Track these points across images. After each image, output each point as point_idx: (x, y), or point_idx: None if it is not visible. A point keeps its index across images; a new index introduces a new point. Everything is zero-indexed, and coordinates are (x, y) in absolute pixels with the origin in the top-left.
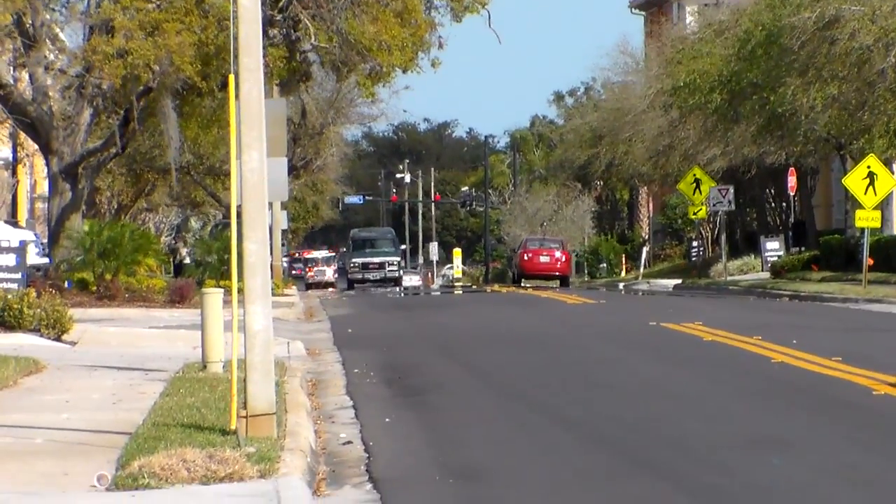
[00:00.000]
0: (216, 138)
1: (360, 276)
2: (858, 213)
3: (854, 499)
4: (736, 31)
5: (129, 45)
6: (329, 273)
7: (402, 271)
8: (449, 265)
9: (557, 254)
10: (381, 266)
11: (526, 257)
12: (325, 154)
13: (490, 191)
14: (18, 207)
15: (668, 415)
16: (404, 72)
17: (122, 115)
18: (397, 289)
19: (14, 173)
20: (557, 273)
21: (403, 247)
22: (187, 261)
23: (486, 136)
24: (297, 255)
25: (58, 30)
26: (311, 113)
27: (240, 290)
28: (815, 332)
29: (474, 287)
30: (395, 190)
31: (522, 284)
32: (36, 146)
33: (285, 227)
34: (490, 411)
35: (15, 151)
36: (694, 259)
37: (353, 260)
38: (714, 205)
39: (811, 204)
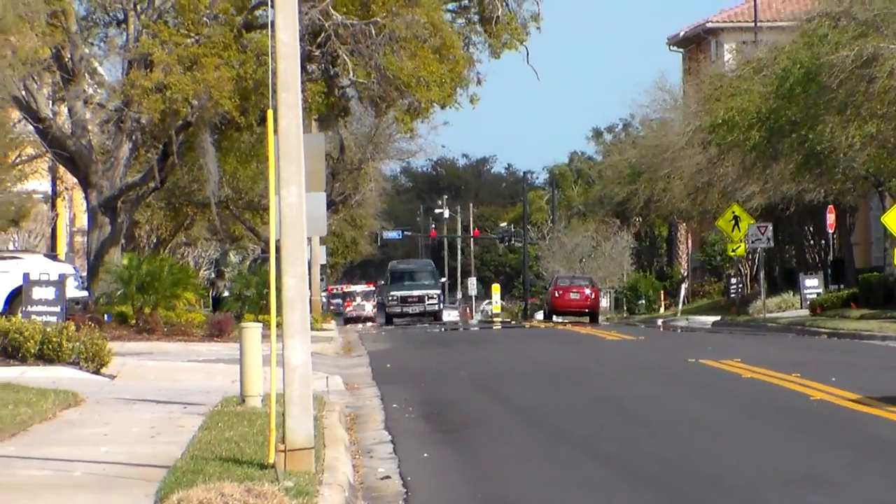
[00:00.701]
0: (255, 173)
1: (398, 309)
2: None
3: None
4: (774, 69)
5: (168, 80)
6: (368, 307)
7: (442, 305)
8: (488, 300)
9: (587, 291)
10: (421, 300)
11: (557, 294)
12: (363, 189)
13: (529, 226)
14: (58, 241)
15: (706, 451)
16: (443, 107)
17: (160, 150)
18: (437, 323)
19: (53, 206)
20: (587, 309)
21: (443, 279)
22: (226, 294)
23: (524, 172)
24: (335, 290)
25: (96, 64)
26: (350, 148)
27: (278, 325)
28: (855, 370)
29: (513, 322)
30: (433, 225)
31: (557, 320)
32: (75, 180)
33: (324, 261)
34: (528, 447)
35: (54, 185)
36: (733, 296)
37: (392, 293)
38: (753, 242)
39: (850, 241)
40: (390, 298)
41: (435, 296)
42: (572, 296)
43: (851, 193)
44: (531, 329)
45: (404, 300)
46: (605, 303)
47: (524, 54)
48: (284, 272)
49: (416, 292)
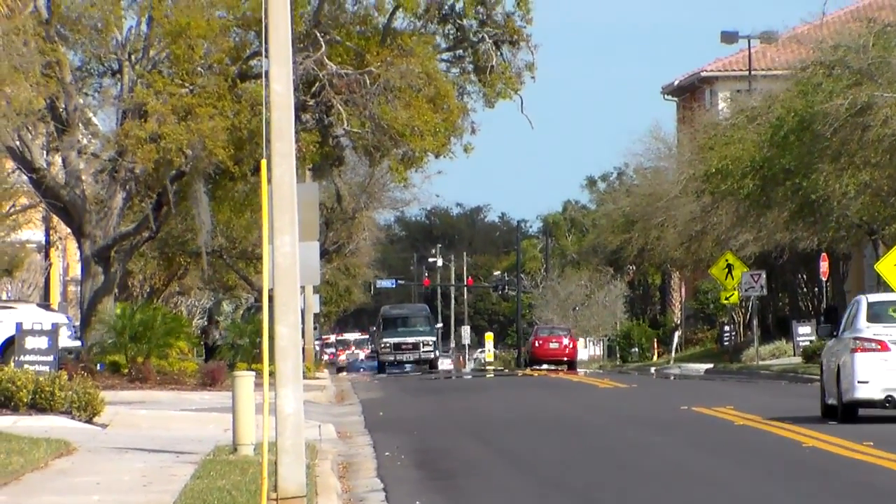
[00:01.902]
0: (249, 222)
1: (391, 357)
2: None
3: None
4: (768, 118)
5: (162, 130)
6: (361, 356)
7: (438, 353)
8: (481, 349)
9: (565, 341)
10: (416, 347)
11: (537, 344)
12: (357, 238)
13: (522, 275)
14: (51, 290)
15: (701, 500)
16: (437, 157)
17: (154, 199)
18: (430, 372)
19: (47, 256)
20: (565, 358)
21: (439, 325)
22: (219, 342)
23: (518, 221)
24: (329, 339)
25: (91, 114)
26: (344, 197)
27: (271, 374)
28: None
29: (506, 371)
30: (427, 274)
31: (543, 367)
32: (69, 229)
33: (317, 310)
34: (520, 496)
35: (48, 234)
36: (726, 343)
37: (384, 340)
38: (746, 290)
39: (843, 289)
40: (383, 345)
41: (430, 343)
42: (552, 345)
43: (845, 241)
44: (524, 377)
45: (398, 347)
46: (598, 351)
47: (518, 103)
48: (278, 321)
49: (410, 339)
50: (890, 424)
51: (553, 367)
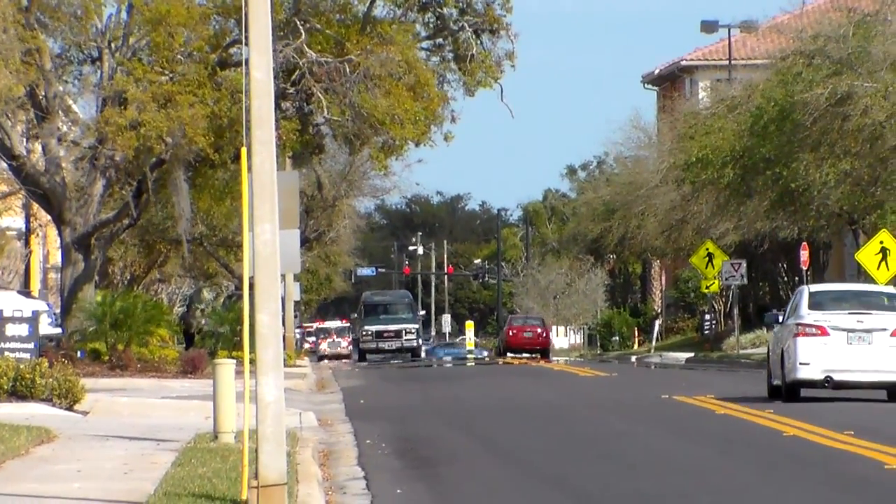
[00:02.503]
0: (229, 210)
1: (373, 345)
2: None
3: None
4: (748, 107)
5: (142, 117)
6: (343, 344)
7: (420, 340)
8: (461, 337)
9: (539, 330)
10: (398, 334)
11: (511, 333)
12: (337, 226)
13: (503, 263)
14: (31, 278)
15: (681, 489)
16: (417, 145)
17: (134, 187)
18: (411, 360)
19: (27, 244)
20: (539, 347)
21: (421, 313)
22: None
23: (498, 210)
24: (311, 328)
25: (71, 101)
26: (324, 185)
27: (252, 362)
28: (827, 406)
29: (487, 359)
30: (407, 262)
31: (524, 356)
32: (49, 217)
33: (298, 298)
34: (502, 484)
35: (28, 222)
36: (706, 332)
37: (366, 328)
38: (727, 279)
39: (824, 278)
40: (364, 333)
41: (413, 330)
42: (525, 335)
43: (825, 230)
44: (504, 366)
45: (379, 335)
46: (578, 339)
47: (499, 92)
48: (258, 309)
49: (392, 326)
50: (836, 403)
51: (527, 356)
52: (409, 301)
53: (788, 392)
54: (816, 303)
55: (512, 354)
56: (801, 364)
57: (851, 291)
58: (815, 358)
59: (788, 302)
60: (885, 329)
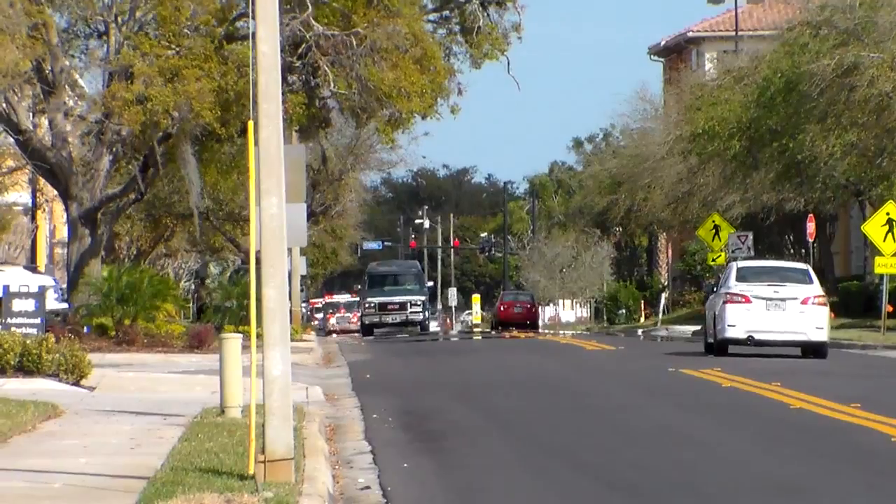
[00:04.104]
0: (235, 184)
1: (376, 318)
2: (878, 259)
3: None
4: (755, 78)
5: (149, 92)
6: (353, 319)
7: (427, 313)
8: (468, 311)
9: (528, 305)
10: (403, 307)
11: (502, 308)
12: (344, 200)
13: (509, 237)
14: (38, 253)
15: (686, 460)
16: (424, 118)
17: (141, 161)
18: (418, 334)
19: (33, 219)
20: (528, 321)
21: (429, 284)
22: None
23: (505, 183)
24: (318, 303)
25: (77, 76)
26: (331, 159)
27: (259, 336)
28: (834, 379)
29: (493, 333)
30: (413, 236)
31: (513, 329)
32: (55, 192)
33: (304, 272)
34: (508, 457)
35: (34, 197)
36: None
37: (369, 300)
38: (733, 251)
39: (830, 250)
40: (367, 305)
41: (419, 303)
42: (515, 309)
43: (832, 202)
44: (511, 339)
45: (383, 307)
46: (585, 313)
47: (505, 64)
48: (265, 283)
49: (397, 298)
50: (761, 358)
51: (517, 328)
52: (417, 272)
53: (719, 348)
54: (742, 276)
55: (503, 327)
56: (728, 325)
57: (771, 267)
58: (739, 321)
59: None
60: (796, 298)
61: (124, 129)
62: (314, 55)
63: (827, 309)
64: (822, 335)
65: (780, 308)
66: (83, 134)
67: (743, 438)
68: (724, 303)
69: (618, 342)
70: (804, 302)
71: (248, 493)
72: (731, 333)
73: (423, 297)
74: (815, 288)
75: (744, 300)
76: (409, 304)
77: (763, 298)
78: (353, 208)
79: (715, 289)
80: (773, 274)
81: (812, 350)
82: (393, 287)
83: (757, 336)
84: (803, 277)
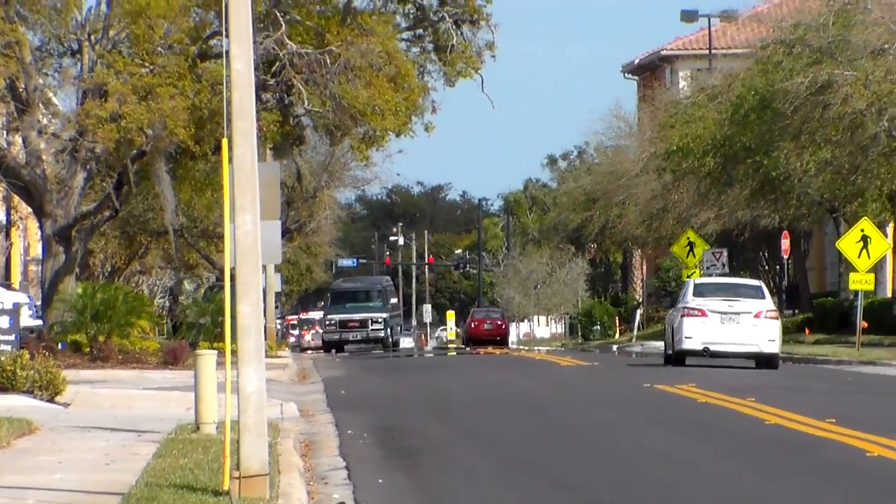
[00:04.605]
0: (210, 201)
1: (336, 336)
2: (852, 275)
3: None
4: (729, 96)
5: (123, 110)
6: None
7: (391, 330)
8: (443, 327)
9: (498, 322)
10: (364, 324)
11: (473, 325)
12: (318, 217)
13: (484, 253)
14: (12, 270)
15: (662, 478)
16: (398, 136)
17: (115, 179)
18: (390, 351)
19: (8, 236)
20: (498, 337)
21: (394, 300)
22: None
23: (479, 199)
24: (293, 320)
25: (51, 94)
26: (305, 176)
27: (233, 352)
28: (809, 395)
29: (468, 349)
30: (388, 252)
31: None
32: (30, 209)
33: (279, 289)
34: (483, 473)
35: (9, 214)
36: None
37: (330, 317)
38: (708, 268)
39: (805, 267)
40: (328, 322)
41: (380, 319)
42: (486, 326)
43: (806, 219)
44: (485, 356)
45: (343, 325)
46: (559, 329)
47: (479, 83)
48: (239, 300)
49: (357, 315)
50: (717, 369)
51: (487, 345)
52: (382, 288)
53: (676, 359)
54: (699, 292)
55: (473, 344)
56: (685, 337)
57: (726, 283)
58: (696, 333)
59: (770, 291)
60: (749, 312)
61: (98, 146)
62: (288, 73)
63: (779, 322)
64: (773, 347)
65: (735, 321)
66: (57, 151)
67: (720, 455)
68: (682, 316)
69: (593, 358)
70: (757, 316)
71: None
72: (687, 345)
73: (385, 315)
74: (768, 303)
75: (700, 314)
76: (370, 322)
77: (718, 312)
78: (328, 225)
79: (674, 304)
80: (728, 290)
81: (764, 361)
82: (355, 304)
83: (712, 347)
84: (756, 293)
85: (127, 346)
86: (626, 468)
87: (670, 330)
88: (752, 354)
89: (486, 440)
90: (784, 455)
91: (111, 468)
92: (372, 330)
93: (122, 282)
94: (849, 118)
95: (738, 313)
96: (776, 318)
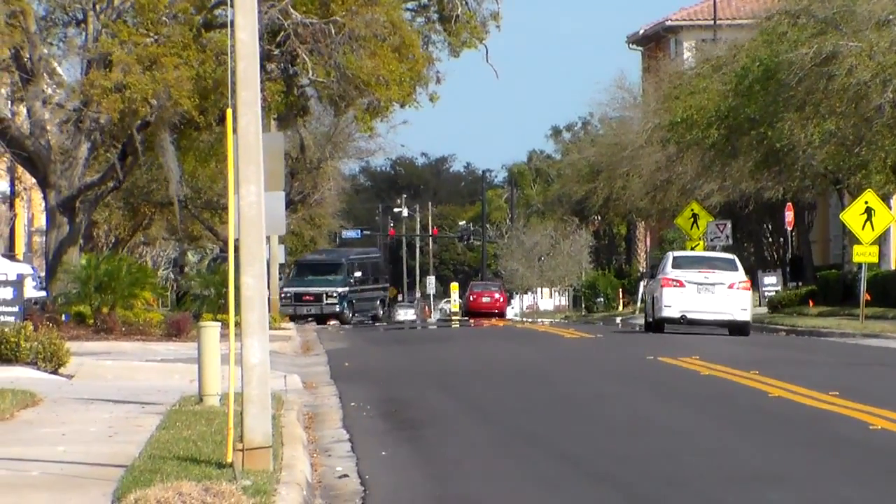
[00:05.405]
0: (214, 172)
1: (290, 309)
2: (856, 248)
3: None
4: (733, 67)
5: (127, 80)
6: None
7: (348, 304)
8: (446, 299)
9: (496, 295)
10: (318, 298)
11: (472, 298)
12: (322, 188)
13: (487, 225)
14: (16, 241)
15: (664, 449)
16: (402, 106)
17: (119, 149)
18: (392, 323)
19: (12, 207)
20: (496, 310)
21: (359, 274)
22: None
23: (483, 171)
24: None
25: (55, 64)
26: (309, 147)
27: (237, 324)
28: (812, 367)
29: (471, 321)
30: (392, 224)
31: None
32: (34, 180)
33: (283, 261)
34: (487, 445)
35: (13, 185)
36: None
37: (286, 289)
38: (712, 240)
39: (809, 239)
40: (283, 295)
41: (336, 294)
42: (484, 300)
43: (810, 191)
44: (489, 327)
45: (298, 298)
46: (563, 301)
47: (483, 53)
48: (243, 271)
49: (312, 289)
50: (694, 335)
51: (486, 318)
52: (346, 262)
53: (656, 326)
54: (677, 264)
55: (472, 317)
56: (665, 306)
57: (702, 256)
58: (674, 302)
59: (772, 262)
60: (723, 283)
61: (103, 117)
62: (293, 43)
63: (750, 293)
64: (745, 315)
65: (710, 291)
66: (61, 122)
67: (722, 427)
68: (661, 286)
69: (596, 330)
70: (731, 287)
71: (226, 482)
72: (666, 313)
73: (343, 289)
74: (741, 275)
75: (678, 284)
76: (324, 296)
77: (695, 283)
78: (332, 197)
79: (653, 275)
80: (704, 262)
81: (737, 329)
82: (314, 277)
83: (689, 315)
84: (730, 265)
85: (131, 318)
86: (629, 440)
87: (650, 299)
88: (726, 322)
89: (488, 412)
90: (787, 427)
91: (115, 440)
92: (327, 304)
93: (126, 253)
94: (853, 89)
95: (713, 284)
96: (748, 289)
